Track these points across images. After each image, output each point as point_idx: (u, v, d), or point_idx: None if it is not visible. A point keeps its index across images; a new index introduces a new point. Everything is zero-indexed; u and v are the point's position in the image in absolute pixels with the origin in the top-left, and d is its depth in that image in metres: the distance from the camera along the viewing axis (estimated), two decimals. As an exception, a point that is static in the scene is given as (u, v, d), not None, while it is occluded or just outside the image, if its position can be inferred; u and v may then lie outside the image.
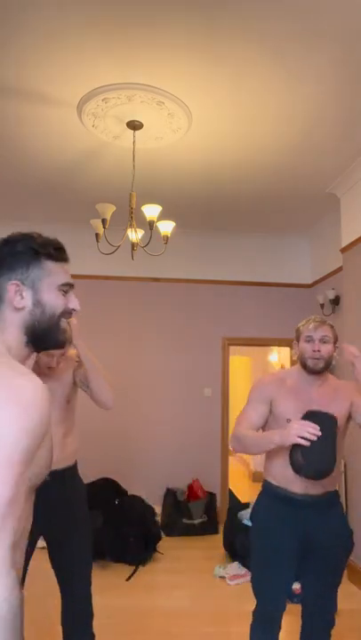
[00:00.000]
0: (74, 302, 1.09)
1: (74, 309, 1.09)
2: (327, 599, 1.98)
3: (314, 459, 1.73)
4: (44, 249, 1.05)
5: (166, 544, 4.21)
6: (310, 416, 1.78)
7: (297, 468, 1.77)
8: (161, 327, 5.26)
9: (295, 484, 1.90)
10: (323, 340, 1.94)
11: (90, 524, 2.12)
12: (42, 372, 2.01)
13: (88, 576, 2.01)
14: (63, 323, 1.06)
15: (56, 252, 1.07)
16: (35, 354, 1.07)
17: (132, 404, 5.06)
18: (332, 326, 2.01)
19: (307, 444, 1.66)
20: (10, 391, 0.84)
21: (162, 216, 3.38)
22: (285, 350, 6.17)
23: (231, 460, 6.10)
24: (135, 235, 3.30)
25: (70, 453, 2.08)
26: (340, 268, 4.34)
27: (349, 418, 1.99)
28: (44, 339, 1.03)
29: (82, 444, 4.76)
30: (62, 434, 2.04)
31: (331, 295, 4.62)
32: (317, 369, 1.94)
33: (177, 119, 3.11)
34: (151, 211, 3.24)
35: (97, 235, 3.39)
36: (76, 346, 2.01)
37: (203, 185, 4.15)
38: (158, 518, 4.31)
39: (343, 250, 3.99)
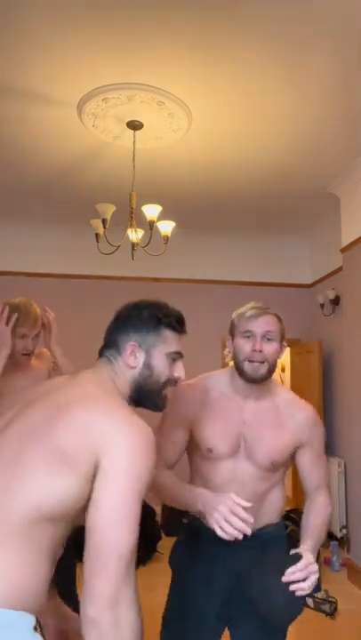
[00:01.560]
0: (179, 370, 1.18)
1: (179, 377, 1.18)
2: None
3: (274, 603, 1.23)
4: (166, 318, 1.17)
5: (166, 544, 4.20)
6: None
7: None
8: (161, 327, 5.26)
9: None
10: (266, 337, 1.42)
11: None
12: (18, 364, 2.03)
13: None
14: (166, 389, 1.17)
15: (177, 324, 1.19)
16: None
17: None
18: (278, 317, 1.48)
19: (226, 537, 1.17)
20: (140, 434, 0.96)
21: (162, 216, 3.38)
22: (285, 350, 6.18)
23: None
24: (135, 235, 3.30)
25: None
26: (340, 268, 4.34)
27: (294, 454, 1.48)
28: (145, 398, 1.14)
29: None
30: None
31: (331, 295, 4.62)
32: (258, 377, 1.41)
33: (177, 119, 3.11)
34: (151, 211, 3.24)
35: (97, 235, 3.39)
36: (53, 352, 2.08)
37: (203, 185, 4.14)
38: (158, 518, 4.31)
39: (343, 250, 3.99)
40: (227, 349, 1.53)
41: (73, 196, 4.41)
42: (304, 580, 1.18)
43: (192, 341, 6.08)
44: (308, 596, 1.76)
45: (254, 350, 1.40)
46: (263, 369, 1.41)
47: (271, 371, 1.44)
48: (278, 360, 1.48)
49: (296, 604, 1.24)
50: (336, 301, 4.58)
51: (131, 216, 3.22)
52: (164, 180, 4.05)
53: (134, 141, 3.24)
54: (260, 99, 2.91)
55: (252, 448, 1.42)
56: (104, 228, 3.21)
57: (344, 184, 3.94)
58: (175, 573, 1.55)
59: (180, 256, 5.18)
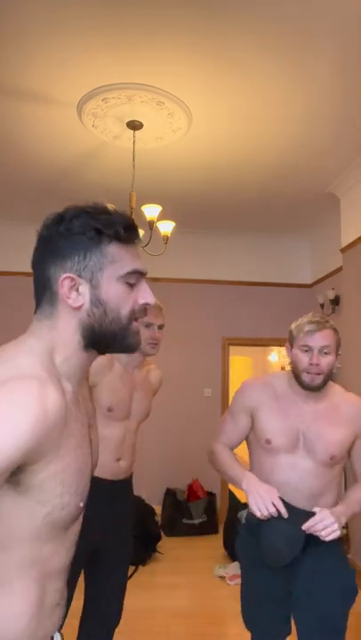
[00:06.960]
0: (145, 295, 0.84)
1: (145, 304, 0.84)
2: None
3: (269, 541, 1.46)
4: (109, 227, 0.82)
5: (166, 544, 4.21)
6: (288, 508, 1.46)
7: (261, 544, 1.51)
8: (161, 327, 5.25)
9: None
10: (323, 351, 1.54)
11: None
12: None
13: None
14: (133, 324, 0.83)
15: (125, 232, 0.83)
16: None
17: (132, 404, 5.06)
18: (335, 330, 1.58)
19: (259, 515, 1.42)
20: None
21: (162, 216, 3.38)
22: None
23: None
24: (135, 235, 3.30)
25: None
26: (340, 268, 4.34)
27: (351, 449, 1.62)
28: (107, 344, 0.83)
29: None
30: None
31: (331, 295, 4.62)
32: (314, 386, 1.55)
33: (177, 119, 3.11)
34: (151, 211, 3.24)
35: (97, 235, 3.39)
36: None
37: (203, 185, 4.15)
38: (158, 518, 4.31)
39: (343, 250, 3.99)
40: (287, 355, 1.66)
41: (73, 196, 4.38)
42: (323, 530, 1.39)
43: (192, 341, 6.07)
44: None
45: (311, 364, 1.53)
46: (319, 380, 1.55)
47: (326, 380, 1.57)
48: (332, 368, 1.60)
49: (296, 543, 1.45)
50: (336, 301, 4.58)
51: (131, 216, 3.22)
52: (164, 180, 4.05)
53: (134, 141, 3.24)
54: (260, 99, 2.91)
55: (313, 445, 1.56)
56: (104, 228, 3.21)
57: (344, 184, 3.94)
58: (241, 556, 1.75)
59: (180, 256, 5.18)
